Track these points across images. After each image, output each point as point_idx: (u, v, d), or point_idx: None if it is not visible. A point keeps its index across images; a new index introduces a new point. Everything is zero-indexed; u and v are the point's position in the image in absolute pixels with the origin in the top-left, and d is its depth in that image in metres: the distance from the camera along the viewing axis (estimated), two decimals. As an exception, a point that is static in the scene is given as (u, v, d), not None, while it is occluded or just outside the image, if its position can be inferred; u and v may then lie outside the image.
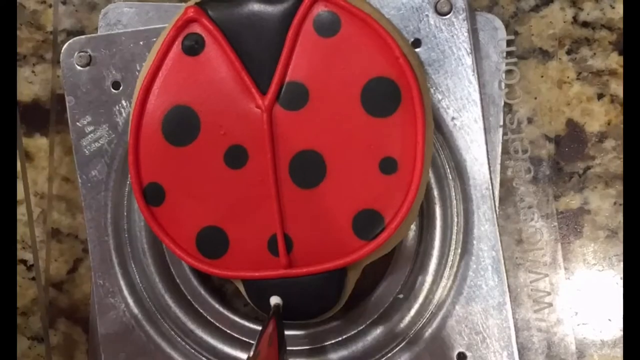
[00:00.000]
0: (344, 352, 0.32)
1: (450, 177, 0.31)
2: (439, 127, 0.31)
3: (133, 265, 0.33)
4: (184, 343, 0.32)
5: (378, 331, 0.32)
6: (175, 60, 0.29)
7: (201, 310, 0.33)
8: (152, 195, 0.29)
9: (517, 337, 0.31)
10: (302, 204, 0.29)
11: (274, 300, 0.29)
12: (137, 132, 0.29)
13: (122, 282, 0.32)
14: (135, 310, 0.32)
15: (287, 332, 0.32)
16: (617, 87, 0.33)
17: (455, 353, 0.31)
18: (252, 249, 0.29)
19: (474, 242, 0.31)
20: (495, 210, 0.31)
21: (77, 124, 0.32)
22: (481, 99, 0.31)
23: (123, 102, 0.32)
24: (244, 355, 0.32)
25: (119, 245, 0.33)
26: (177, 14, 0.29)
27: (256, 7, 0.28)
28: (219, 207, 0.29)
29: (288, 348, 0.32)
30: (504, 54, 0.32)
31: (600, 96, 0.33)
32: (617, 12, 0.33)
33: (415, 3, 0.31)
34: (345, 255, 0.29)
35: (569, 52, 0.33)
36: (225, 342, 0.32)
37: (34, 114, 0.35)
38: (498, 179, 0.32)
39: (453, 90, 0.31)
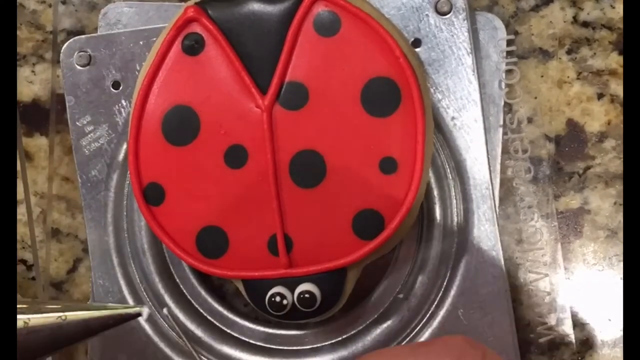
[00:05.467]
0: (344, 352, 0.32)
1: (450, 177, 0.31)
2: (439, 127, 0.31)
3: (133, 265, 0.33)
4: (184, 343, 0.32)
5: (378, 331, 0.31)
6: (175, 60, 0.29)
7: (201, 310, 0.33)
8: (152, 195, 0.29)
9: (517, 337, 0.31)
10: (302, 203, 0.29)
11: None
12: (137, 131, 0.29)
13: (122, 282, 0.32)
14: (135, 310, 0.32)
15: (287, 332, 0.32)
16: (617, 87, 0.33)
17: (455, 353, 0.30)
18: (252, 248, 0.29)
19: (474, 242, 0.31)
20: (495, 210, 0.31)
21: (77, 123, 0.32)
22: (481, 99, 0.31)
23: (123, 101, 0.32)
24: (244, 355, 0.32)
25: (119, 245, 0.33)
26: (177, 14, 0.29)
27: (256, 6, 0.28)
28: (219, 207, 0.29)
29: (288, 348, 0.32)
30: (504, 54, 0.32)
31: (600, 96, 0.33)
32: (617, 12, 0.33)
33: (415, 3, 0.31)
34: (345, 255, 0.29)
35: (569, 52, 0.33)
36: (225, 342, 0.32)
37: (34, 113, 0.35)
38: (498, 179, 0.32)
39: (453, 90, 0.31)
